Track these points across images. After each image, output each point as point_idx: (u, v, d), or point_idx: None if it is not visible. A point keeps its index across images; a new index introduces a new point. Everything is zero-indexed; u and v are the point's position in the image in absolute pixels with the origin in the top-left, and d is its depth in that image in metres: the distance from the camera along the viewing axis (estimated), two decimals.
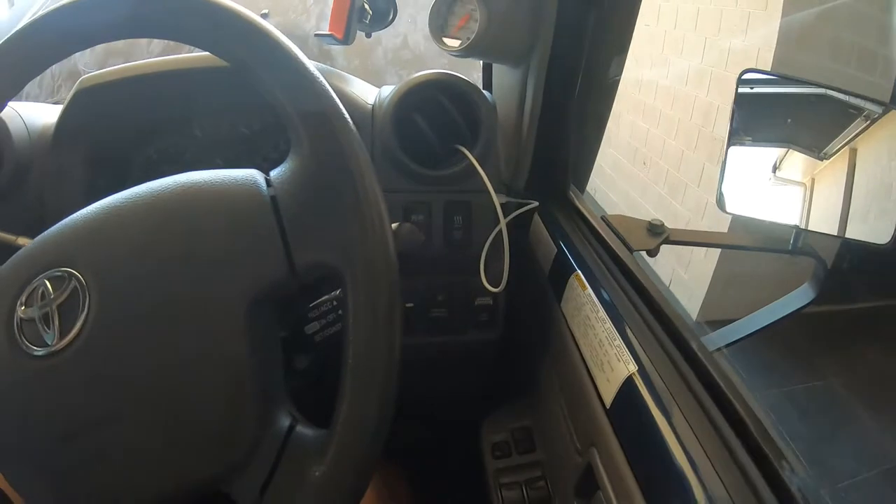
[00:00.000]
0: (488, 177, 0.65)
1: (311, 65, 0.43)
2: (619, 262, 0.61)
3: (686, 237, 0.86)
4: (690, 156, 2.36)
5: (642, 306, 0.54)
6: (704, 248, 2.26)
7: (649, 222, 0.83)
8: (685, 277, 2.30)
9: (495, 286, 0.66)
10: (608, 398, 0.49)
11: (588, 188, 0.88)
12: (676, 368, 0.46)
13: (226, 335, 0.38)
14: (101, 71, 0.72)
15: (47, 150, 0.71)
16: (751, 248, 0.95)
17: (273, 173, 0.42)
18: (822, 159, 0.87)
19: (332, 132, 0.41)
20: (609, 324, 0.52)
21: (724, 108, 2.09)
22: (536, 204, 0.72)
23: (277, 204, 0.40)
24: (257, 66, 0.42)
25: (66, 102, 0.71)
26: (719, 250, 2.18)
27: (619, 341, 0.50)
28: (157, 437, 0.38)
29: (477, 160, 0.65)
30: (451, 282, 0.71)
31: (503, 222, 0.65)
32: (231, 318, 0.39)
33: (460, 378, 0.85)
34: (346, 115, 0.42)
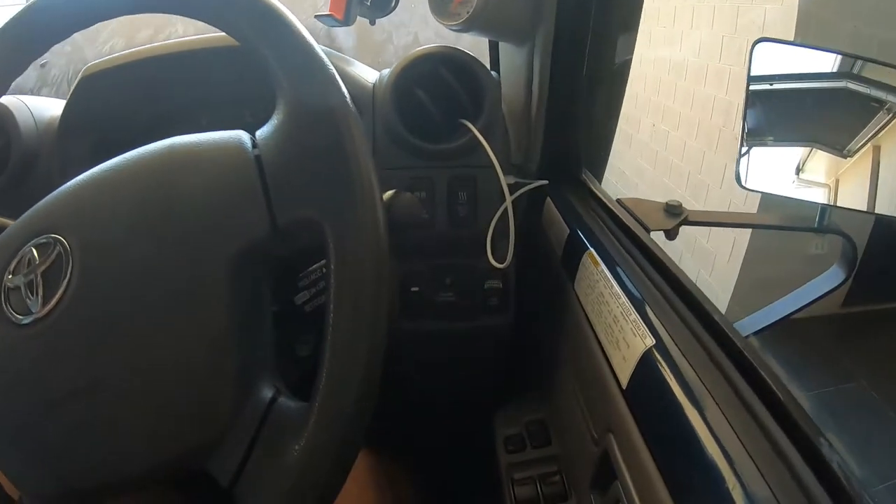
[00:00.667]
0: (493, 151, 0.62)
1: (304, 29, 0.41)
2: (635, 240, 0.57)
3: (706, 218, 0.82)
4: (711, 157, 2.32)
5: (660, 281, 0.50)
6: (729, 251, 2.21)
7: (666, 203, 0.79)
8: (709, 280, 2.24)
9: (502, 263, 0.63)
10: (624, 378, 0.45)
11: (609, 191, 0.85)
12: (700, 343, 0.43)
13: (206, 296, 0.36)
14: (106, 57, 0.72)
15: (54, 141, 0.71)
16: (774, 226, 0.90)
17: (259, 133, 0.40)
18: (845, 157, 0.84)
19: (319, 90, 0.39)
20: (623, 298, 0.48)
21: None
22: (545, 182, 0.69)
23: (261, 162, 0.38)
24: (240, 22, 0.40)
25: (71, 89, 0.71)
26: (744, 253, 2.12)
27: (634, 315, 0.46)
28: (135, 409, 0.36)
29: (481, 133, 0.62)
30: (458, 264, 0.68)
31: (509, 199, 0.62)
32: (211, 278, 0.36)
33: (471, 367, 0.81)
34: (334, 73, 0.39)
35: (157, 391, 0.36)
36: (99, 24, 0.47)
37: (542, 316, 0.70)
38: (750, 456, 0.35)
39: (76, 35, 0.48)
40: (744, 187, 0.77)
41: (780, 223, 0.88)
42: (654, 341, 0.43)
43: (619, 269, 0.52)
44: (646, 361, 0.43)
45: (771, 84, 0.86)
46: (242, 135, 0.40)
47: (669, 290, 0.48)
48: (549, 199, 0.73)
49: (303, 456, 0.34)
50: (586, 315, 0.54)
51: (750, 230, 2.08)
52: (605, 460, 0.48)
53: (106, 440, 0.36)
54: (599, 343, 0.50)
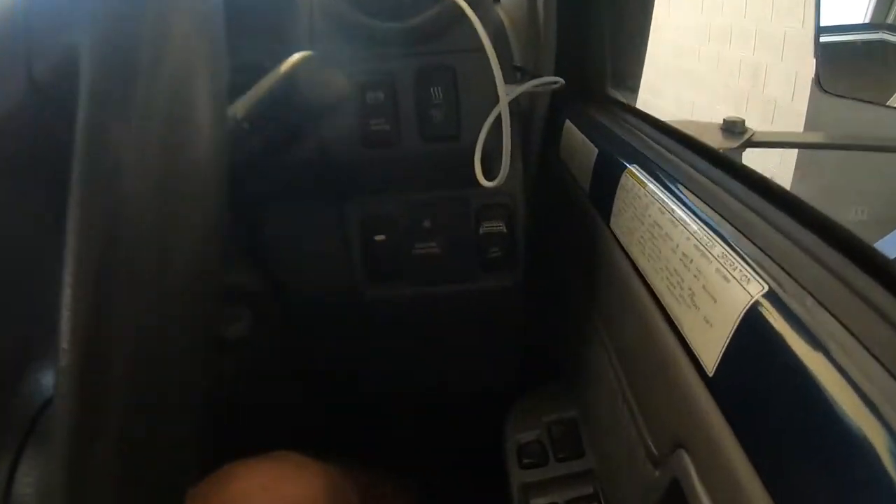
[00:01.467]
0: (483, 26, 0.42)
1: None
2: (697, 148, 0.38)
3: (774, 138, 0.64)
4: None
5: (749, 195, 0.31)
6: None
7: (724, 120, 0.60)
8: None
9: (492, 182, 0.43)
10: (710, 357, 0.26)
11: None
12: (850, 288, 0.24)
13: None
14: None
15: None
16: (859, 146, 0.71)
17: None
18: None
19: None
20: (697, 225, 0.29)
21: (773, 67, 1.85)
22: (559, 82, 0.50)
23: None
24: None
25: None
26: None
27: (720, 247, 0.27)
28: None
29: None
30: (440, 198, 0.49)
31: (504, 99, 0.42)
32: None
33: (469, 348, 0.62)
34: None
35: None
36: None
37: (565, 272, 0.51)
38: None
39: None
40: (826, 91, 0.60)
41: (862, 143, 0.68)
42: (764, 287, 0.24)
43: (675, 185, 0.33)
44: (752, 323, 0.24)
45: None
46: None
47: (767, 205, 0.30)
48: (568, 122, 0.54)
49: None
50: (632, 261, 0.35)
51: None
52: (674, 492, 0.29)
53: None
54: (657, 301, 0.31)
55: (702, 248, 0.28)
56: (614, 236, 0.38)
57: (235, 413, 0.81)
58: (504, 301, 0.53)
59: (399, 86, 0.44)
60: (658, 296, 0.31)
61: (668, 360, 0.29)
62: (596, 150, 0.44)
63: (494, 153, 0.43)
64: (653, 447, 0.32)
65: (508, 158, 0.38)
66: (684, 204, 0.31)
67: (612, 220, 0.39)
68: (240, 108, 0.39)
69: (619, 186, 0.38)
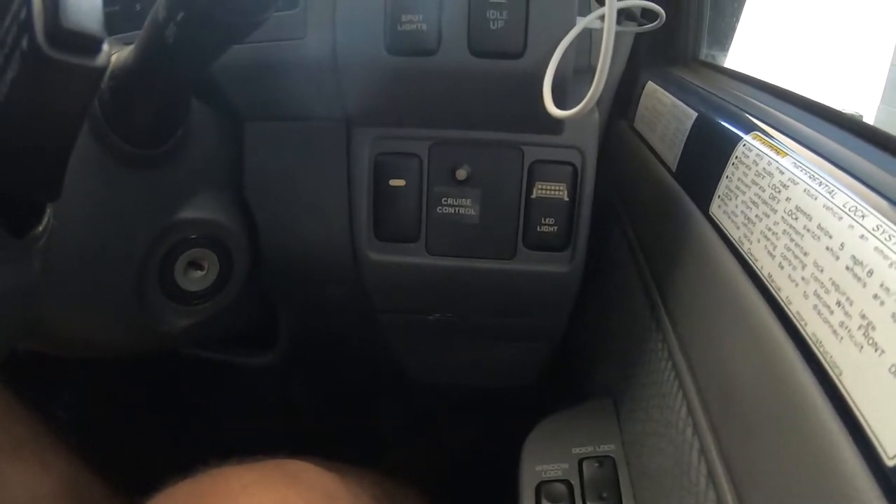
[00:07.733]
0: None
1: None
2: (858, 133, 0.27)
3: None
4: None
5: None
6: None
7: None
8: None
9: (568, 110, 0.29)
10: (894, 435, 0.16)
11: None
12: None
13: None
14: None
15: None
16: None
17: None
18: None
19: None
20: (877, 218, 0.18)
21: None
22: (660, 15, 0.38)
23: None
24: None
25: None
26: None
27: None
28: None
29: None
30: (482, 141, 0.38)
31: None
32: None
33: (490, 345, 0.49)
34: None
35: None
36: None
37: (629, 267, 0.40)
38: None
39: None
40: None
41: None
42: None
43: (834, 162, 0.22)
44: None
45: None
46: None
47: None
48: (650, 84, 0.43)
49: None
50: (745, 263, 0.24)
51: None
52: None
53: None
54: (791, 329, 0.21)
55: (890, 251, 0.17)
56: (715, 226, 0.28)
57: (209, 402, 0.71)
58: (549, 292, 0.41)
59: None
60: (794, 320, 0.20)
61: (805, 426, 0.18)
62: (694, 115, 0.33)
63: (567, 85, 0.32)
64: None
65: (605, 76, 0.24)
66: (850, 182, 0.21)
67: (714, 204, 0.28)
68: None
69: (730, 160, 0.27)
